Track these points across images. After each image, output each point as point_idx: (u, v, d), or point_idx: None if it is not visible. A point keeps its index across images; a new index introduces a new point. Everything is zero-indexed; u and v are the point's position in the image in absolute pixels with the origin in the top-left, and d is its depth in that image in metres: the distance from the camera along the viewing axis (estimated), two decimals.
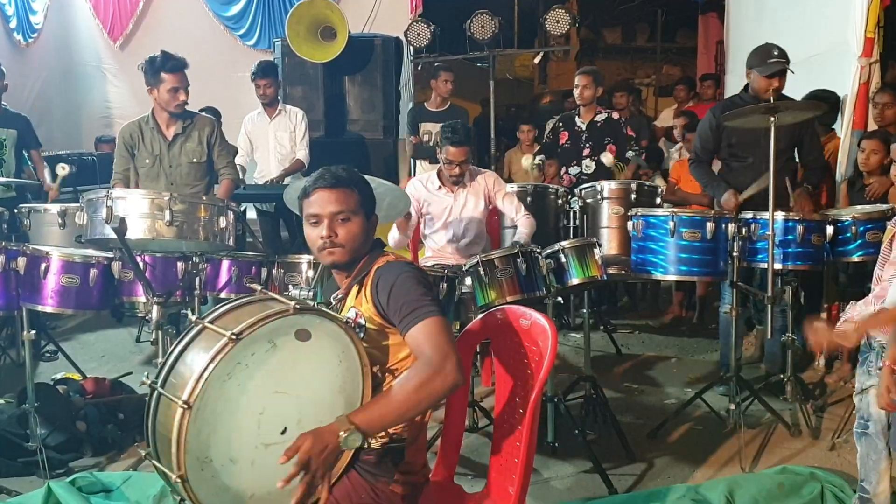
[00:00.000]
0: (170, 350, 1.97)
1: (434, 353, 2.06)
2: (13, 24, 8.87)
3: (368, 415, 1.98)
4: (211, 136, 4.63)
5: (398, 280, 2.20)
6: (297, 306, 1.96)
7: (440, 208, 4.60)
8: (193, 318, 1.98)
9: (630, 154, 6.05)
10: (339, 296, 2.37)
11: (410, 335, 2.13)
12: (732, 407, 4.11)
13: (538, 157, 6.24)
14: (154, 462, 1.97)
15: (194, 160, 4.60)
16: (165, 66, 4.38)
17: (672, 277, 4.30)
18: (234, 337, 1.84)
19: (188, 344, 1.95)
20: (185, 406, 1.81)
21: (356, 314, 2.28)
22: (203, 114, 4.89)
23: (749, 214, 4.21)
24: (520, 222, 4.61)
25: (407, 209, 4.07)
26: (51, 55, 9.47)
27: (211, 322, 1.95)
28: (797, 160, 4.82)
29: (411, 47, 7.42)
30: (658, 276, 4.21)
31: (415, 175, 6.91)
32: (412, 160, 7.23)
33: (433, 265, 4.41)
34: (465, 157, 4.46)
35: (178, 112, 4.51)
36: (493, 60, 7.31)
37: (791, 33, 5.73)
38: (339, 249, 2.28)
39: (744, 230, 4.11)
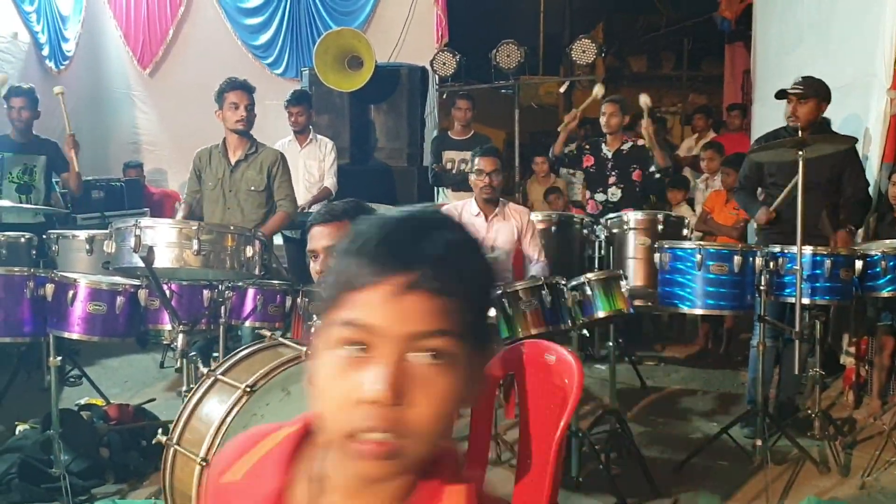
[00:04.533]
0: (183, 405, 1.93)
1: None
2: (45, 52, 9.01)
3: None
4: (273, 167, 4.75)
5: None
6: (310, 352, 1.94)
7: None
8: (205, 370, 1.95)
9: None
10: None
11: None
12: (759, 442, 4.01)
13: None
14: None
15: (252, 188, 4.72)
16: (227, 87, 4.63)
17: (699, 311, 4.25)
18: (248, 389, 1.82)
19: (202, 398, 1.91)
20: (205, 463, 1.79)
21: None
22: (271, 147, 5.01)
23: (777, 248, 4.16)
24: (537, 266, 4.52)
25: None
26: (81, 82, 9.58)
27: (223, 374, 1.92)
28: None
29: (437, 76, 7.45)
30: (685, 309, 4.16)
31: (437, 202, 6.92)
32: (435, 188, 7.24)
33: None
34: (494, 167, 4.40)
35: (241, 129, 4.66)
36: (518, 88, 7.32)
37: (817, 63, 5.69)
38: None
39: (771, 264, 4.03)
